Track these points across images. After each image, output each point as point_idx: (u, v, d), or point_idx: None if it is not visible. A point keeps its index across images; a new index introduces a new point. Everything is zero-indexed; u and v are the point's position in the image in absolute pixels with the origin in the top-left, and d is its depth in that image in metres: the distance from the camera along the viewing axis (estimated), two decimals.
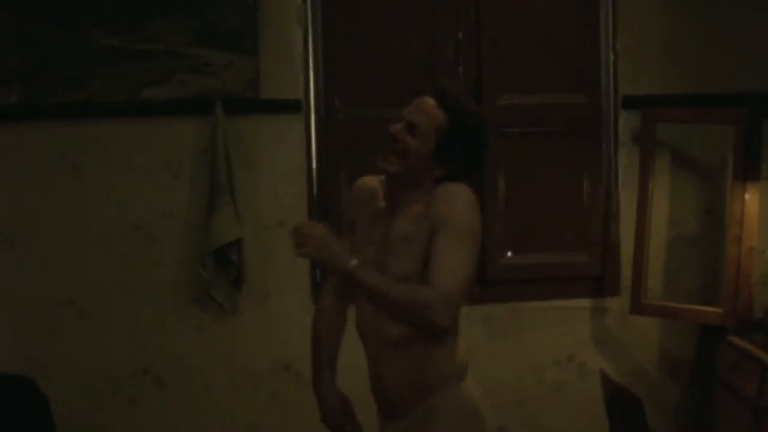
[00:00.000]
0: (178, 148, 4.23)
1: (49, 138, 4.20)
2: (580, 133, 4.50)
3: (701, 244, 4.57)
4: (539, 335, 4.48)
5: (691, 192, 4.54)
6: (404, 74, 4.40)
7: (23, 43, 4.16)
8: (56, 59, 4.17)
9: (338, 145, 4.35)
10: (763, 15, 4.49)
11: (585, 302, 4.52)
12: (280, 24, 4.28)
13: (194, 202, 4.23)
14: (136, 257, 4.24)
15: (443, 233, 2.59)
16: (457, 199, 2.64)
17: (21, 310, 4.23)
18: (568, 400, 4.51)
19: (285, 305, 4.31)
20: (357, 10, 4.40)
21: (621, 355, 4.54)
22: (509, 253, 4.47)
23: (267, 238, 4.27)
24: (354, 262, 2.57)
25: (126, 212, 4.23)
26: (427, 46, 4.42)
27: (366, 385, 2.89)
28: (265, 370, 4.32)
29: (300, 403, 4.25)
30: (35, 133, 4.19)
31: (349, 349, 3.01)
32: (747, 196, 4.27)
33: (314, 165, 4.33)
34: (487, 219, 4.42)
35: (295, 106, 4.27)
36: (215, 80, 4.21)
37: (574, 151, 4.50)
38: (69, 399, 4.20)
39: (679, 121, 4.42)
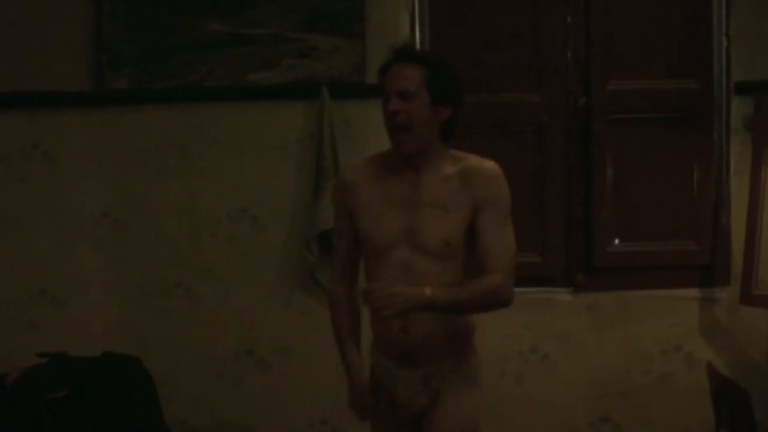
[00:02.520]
0: (285, 133, 4.36)
1: (158, 122, 4.36)
2: (691, 119, 4.50)
3: None
4: (646, 325, 4.50)
5: None
6: (511, 59, 4.47)
7: (134, 30, 4.33)
8: (166, 45, 4.33)
9: None
10: None
11: (693, 292, 4.52)
12: (387, 8, 4.37)
13: (300, 186, 4.35)
14: (242, 240, 4.38)
15: (493, 213, 2.84)
16: (499, 179, 2.89)
17: (130, 292, 4.41)
18: (674, 391, 4.53)
19: None
20: None
21: (729, 346, 4.53)
22: (617, 241, 4.50)
23: None
24: (428, 291, 2.71)
25: (233, 196, 4.37)
26: (535, 31, 4.46)
27: None
28: (368, 353, 4.43)
29: None
30: (145, 117, 4.36)
31: None
32: None
33: None
34: (595, 205, 4.49)
35: None
36: (322, 65, 4.33)
37: (685, 137, 4.50)
38: (175, 379, 4.35)
39: None
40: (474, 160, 2.94)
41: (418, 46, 4.40)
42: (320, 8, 4.33)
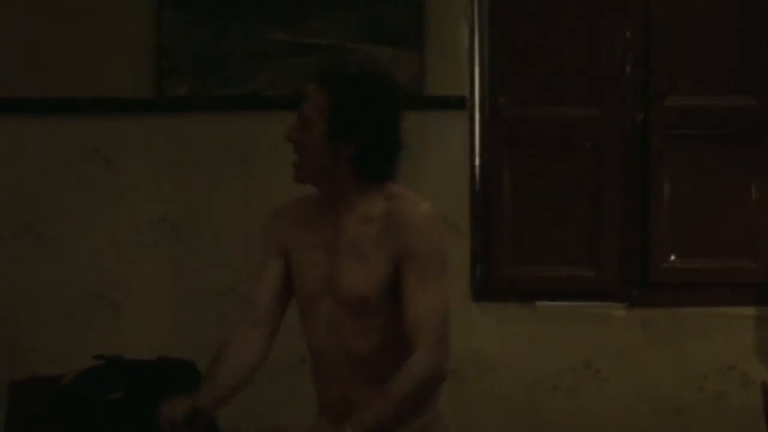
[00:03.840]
0: None
1: (216, 129, 4.46)
2: (750, 135, 4.53)
3: None
4: (700, 342, 4.52)
5: None
6: (569, 73, 4.53)
7: (193, 37, 4.43)
8: (225, 53, 4.43)
9: (502, 142, 4.50)
10: None
11: (749, 310, 4.54)
12: (447, 20, 4.43)
13: None
14: None
15: (416, 268, 2.42)
16: (427, 226, 2.48)
17: (185, 297, 4.50)
18: (727, 410, 4.53)
19: None
20: (523, 8, 4.52)
21: None
22: (672, 257, 4.53)
23: None
24: (348, 429, 2.32)
25: None
26: (594, 45, 4.51)
27: None
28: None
29: (456, 400, 4.46)
30: (203, 124, 4.46)
31: None
32: None
33: (477, 162, 4.49)
34: (651, 220, 4.53)
35: (460, 103, 4.42)
36: None
37: (743, 154, 4.52)
38: None
39: None
40: (404, 201, 2.54)
41: (476, 58, 4.49)
42: (380, 19, 4.42)
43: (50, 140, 4.47)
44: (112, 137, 4.48)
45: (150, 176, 4.49)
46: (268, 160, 4.46)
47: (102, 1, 4.46)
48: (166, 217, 4.49)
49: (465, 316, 4.48)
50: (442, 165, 4.45)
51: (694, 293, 4.56)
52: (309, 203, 2.66)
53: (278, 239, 2.68)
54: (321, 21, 4.43)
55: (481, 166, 4.51)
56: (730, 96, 4.55)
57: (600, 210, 4.53)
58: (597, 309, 4.52)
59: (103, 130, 4.48)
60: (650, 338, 4.54)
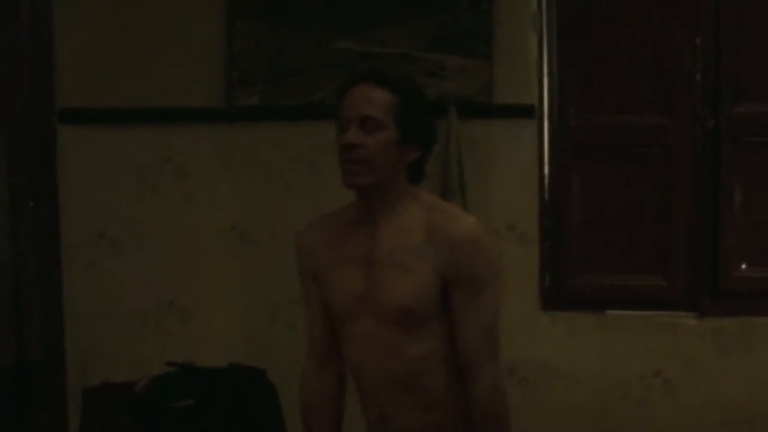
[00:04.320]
0: None
1: (286, 138, 4.52)
2: None
3: None
4: None
5: None
6: (639, 80, 4.53)
7: (264, 48, 4.49)
8: (295, 63, 4.49)
9: (571, 151, 4.52)
10: None
11: None
12: (515, 29, 4.46)
13: None
14: None
15: (465, 287, 2.39)
16: (472, 242, 2.41)
17: (256, 304, 4.57)
18: None
19: (512, 309, 4.46)
20: (592, 16, 4.52)
21: None
22: (744, 265, 4.51)
23: (497, 241, 4.48)
24: None
25: None
26: (664, 52, 4.50)
27: None
28: None
29: (525, 408, 4.47)
30: (273, 133, 4.52)
31: None
32: None
33: (546, 170, 4.51)
34: (722, 229, 4.52)
35: (529, 112, 4.44)
36: (449, 84, 4.45)
37: None
38: (297, 392, 4.50)
39: None
40: (446, 216, 2.46)
41: (545, 67, 4.52)
42: (448, 28, 4.45)
43: (123, 149, 4.56)
44: (183, 146, 4.56)
45: (221, 185, 4.56)
46: (336, 168, 4.48)
47: (174, 13, 4.54)
48: (237, 225, 4.55)
49: (534, 326, 4.51)
50: (511, 173, 4.48)
51: (765, 302, 4.53)
52: (338, 218, 2.65)
53: (307, 264, 2.70)
54: (389, 30, 4.47)
55: (550, 174, 4.53)
56: None
57: (670, 218, 4.52)
58: (667, 318, 4.51)
59: (175, 139, 4.56)
60: (721, 347, 4.52)
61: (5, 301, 4.39)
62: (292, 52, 4.50)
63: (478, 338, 2.41)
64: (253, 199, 4.55)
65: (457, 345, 2.42)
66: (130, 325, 4.59)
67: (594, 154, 4.53)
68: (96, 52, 4.54)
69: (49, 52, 4.49)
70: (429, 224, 2.43)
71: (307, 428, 2.75)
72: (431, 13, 4.45)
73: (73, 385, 4.52)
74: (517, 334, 4.46)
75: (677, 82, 4.50)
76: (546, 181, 4.53)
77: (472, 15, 4.44)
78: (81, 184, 4.56)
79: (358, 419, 2.85)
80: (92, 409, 4.28)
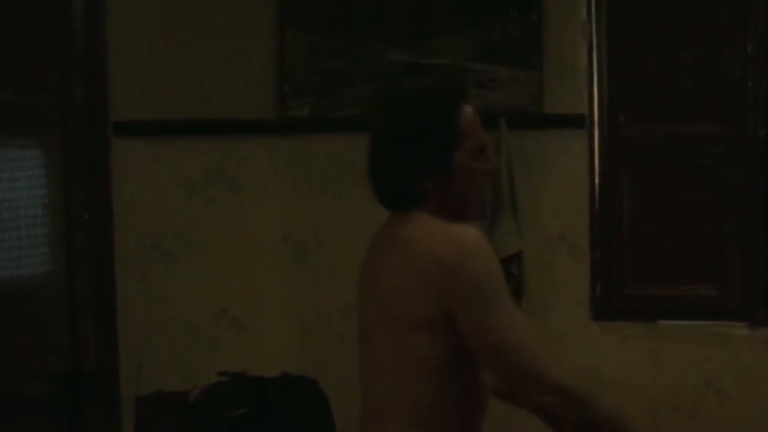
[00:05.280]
0: None
1: (338, 150, 4.59)
2: None
3: None
4: None
5: None
6: (690, 89, 4.56)
7: (315, 59, 4.57)
8: (346, 74, 4.56)
9: (621, 161, 4.55)
10: None
11: None
12: (565, 39, 4.51)
13: None
14: None
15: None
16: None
17: (308, 315, 4.65)
18: None
19: (563, 319, 4.53)
20: (642, 25, 4.57)
21: None
22: None
23: (547, 252, 4.51)
24: None
25: None
26: (714, 61, 4.52)
27: None
28: None
29: None
30: (325, 144, 4.60)
31: None
32: None
33: (597, 181, 4.54)
34: None
35: (579, 121, 4.49)
36: (500, 95, 4.50)
37: None
38: (350, 402, 4.53)
39: None
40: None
41: (595, 76, 4.55)
42: (498, 39, 4.50)
43: (177, 161, 4.63)
44: (236, 158, 4.63)
45: (273, 196, 4.64)
46: None
47: (226, 25, 4.61)
48: (290, 236, 4.63)
49: (586, 335, 4.54)
50: (562, 183, 4.52)
51: None
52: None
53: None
54: (439, 41, 4.53)
55: (601, 184, 4.56)
56: None
57: (722, 228, 4.54)
58: (720, 328, 4.52)
59: (228, 151, 4.64)
60: None
61: (61, 311, 4.47)
62: (342, 64, 4.58)
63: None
64: (304, 210, 4.63)
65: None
66: (183, 335, 4.66)
67: (645, 164, 4.56)
68: (149, 64, 4.61)
69: (103, 65, 4.56)
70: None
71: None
72: (481, 24, 4.51)
73: (127, 394, 4.58)
74: (569, 344, 4.51)
75: (728, 90, 4.52)
76: (596, 190, 4.56)
77: (522, 25, 4.50)
78: (135, 196, 4.63)
79: None
80: (146, 418, 4.36)
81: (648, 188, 4.55)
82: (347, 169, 4.58)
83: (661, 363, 4.51)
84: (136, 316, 4.65)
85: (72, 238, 4.52)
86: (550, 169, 4.52)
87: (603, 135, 4.56)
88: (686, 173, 4.56)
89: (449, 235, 2.19)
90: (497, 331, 2.12)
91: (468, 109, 2.35)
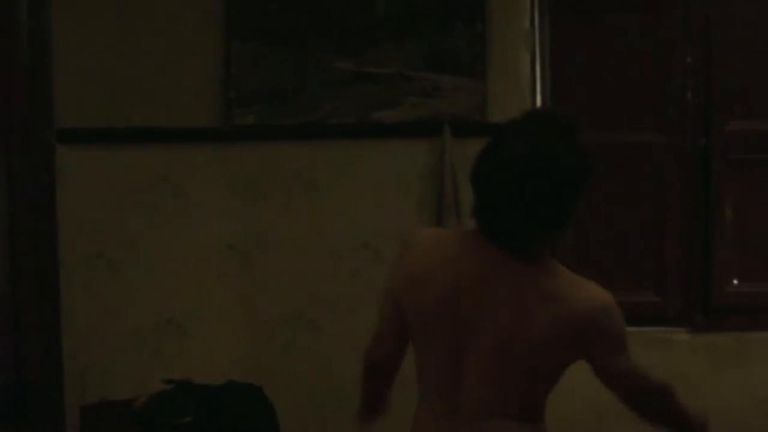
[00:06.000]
0: (407, 170, 4.58)
1: (283, 158, 4.62)
2: None
3: None
4: (764, 366, 4.60)
5: None
6: (631, 99, 4.66)
7: (261, 68, 4.59)
8: (292, 82, 4.60)
9: None
10: None
11: None
12: (509, 49, 4.58)
13: (421, 222, 4.55)
14: (363, 274, 4.59)
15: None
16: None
17: (253, 322, 4.65)
18: None
19: None
20: (585, 35, 4.66)
21: None
22: (736, 281, 4.62)
23: None
24: None
25: (355, 230, 4.60)
26: (655, 71, 4.63)
27: None
28: None
29: None
30: (271, 152, 4.62)
31: None
32: None
33: None
34: (714, 245, 4.63)
35: None
36: (444, 103, 4.56)
37: None
38: (295, 409, 4.56)
39: None
40: None
41: (538, 85, 4.64)
42: (443, 48, 4.56)
43: (122, 169, 4.64)
44: (181, 166, 4.65)
45: (219, 204, 4.65)
46: (333, 188, 4.62)
47: (171, 33, 4.63)
48: (235, 244, 4.64)
49: None
50: None
51: (758, 317, 4.65)
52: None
53: None
54: (385, 50, 4.58)
55: None
56: None
57: (662, 235, 4.63)
58: (660, 334, 4.61)
59: (172, 158, 4.65)
60: (714, 363, 4.62)
61: (5, 320, 4.45)
62: (288, 72, 4.61)
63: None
64: (250, 218, 4.64)
65: None
66: (128, 344, 4.66)
67: None
68: (94, 72, 4.62)
69: (48, 73, 4.57)
70: None
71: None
72: (426, 34, 4.57)
73: (71, 404, 4.58)
74: None
75: (669, 100, 4.63)
76: None
77: (466, 35, 4.56)
78: (79, 204, 4.64)
79: None
80: (90, 427, 4.37)
81: (589, 196, 4.60)
82: (293, 177, 4.62)
83: None
84: (81, 325, 4.65)
85: (16, 246, 4.51)
86: None
87: None
88: (627, 182, 4.64)
89: (598, 293, 2.43)
90: (631, 373, 2.52)
91: None
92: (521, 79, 4.59)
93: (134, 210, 4.66)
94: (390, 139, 4.59)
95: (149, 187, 4.66)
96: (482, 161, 2.47)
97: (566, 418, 4.58)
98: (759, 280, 4.65)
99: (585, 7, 4.69)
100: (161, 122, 4.63)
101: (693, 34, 4.62)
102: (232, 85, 4.60)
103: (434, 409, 2.54)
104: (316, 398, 4.66)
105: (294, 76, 4.61)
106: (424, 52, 4.57)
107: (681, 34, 4.63)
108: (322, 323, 4.64)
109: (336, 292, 4.63)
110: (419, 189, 4.59)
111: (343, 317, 4.63)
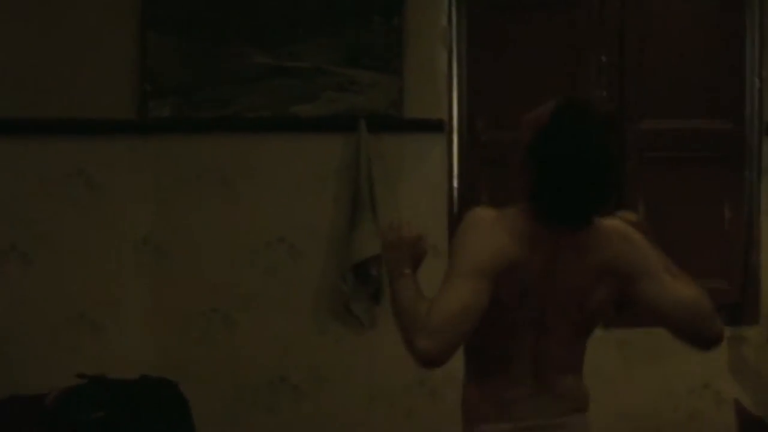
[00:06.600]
0: (323, 164, 4.61)
1: (199, 151, 4.61)
2: (723, 159, 4.74)
3: None
4: (675, 362, 4.67)
5: None
6: (546, 96, 4.70)
7: (178, 60, 4.58)
8: (209, 75, 4.59)
9: (479, 165, 4.69)
10: None
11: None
12: (425, 45, 4.62)
13: (337, 216, 4.59)
14: (279, 269, 4.61)
15: None
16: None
17: (168, 317, 4.63)
18: (702, 428, 4.70)
19: None
20: (501, 33, 4.72)
21: (757, 385, 4.72)
22: None
23: None
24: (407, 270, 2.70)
25: (271, 225, 4.61)
26: (570, 69, 4.71)
27: None
28: (401, 386, 4.63)
29: (435, 419, 4.62)
30: (187, 146, 4.61)
31: None
32: None
33: (455, 184, 4.68)
34: None
35: (438, 126, 4.61)
36: (360, 98, 4.59)
37: (716, 177, 4.73)
38: (210, 404, 4.55)
39: None
40: None
41: (455, 82, 4.69)
42: (360, 43, 4.59)
43: (35, 160, 4.59)
44: (96, 159, 4.61)
45: (133, 197, 4.62)
46: (249, 182, 4.63)
47: (87, 23, 4.59)
48: (150, 238, 4.63)
49: None
50: (421, 187, 4.63)
51: None
52: None
53: None
54: (303, 44, 4.60)
55: (459, 187, 4.70)
56: (703, 119, 4.77)
57: None
58: None
59: (87, 151, 4.61)
60: (626, 358, 4.71)
61: None
62: (205, 65, 4.61)
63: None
64: (165, 211, 4.63)
65: None
66: (40, 338, 4.61)
67: (502, 168, 4.68)
68: (5, 61, 4.57)
69: None
70: None
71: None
72: (344, 29, 4.60)
73: None
74: None
75: (583, 98, 4.68)
76: (455, 194, 4.69)
77: (384, 30, 4.60)
78: None
79: None
80: (1, 423, 4.31)
81: (504, 192, 4.65)
82: (209, 171, 4.62)
83: None
84: None
85: None
86: (410, 172, 4.62)
87: (461, 139, 4.70)
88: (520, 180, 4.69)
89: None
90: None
91: None
92: (437, 75, 4.64)
93: (48, 203, 4.61)
94: (306, 133, 4.61)
95: (63, 179, 4.61)
96: (556, 143, 2.60)
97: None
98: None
99: (502, 5, 4.75)
100: (76, 114, 4.59)
101: (607, 34, 4.70)
102: (147, 78, 4.58)
103: (510, 377, 2.69)
104: (230, 392, 4.66)
105: (211, 69, 4.60)
106: (342, 47, 4.60)
107: (596, 33, 4.70)
108: (237, 317, 4.64)
109: (251, 286, 4.63)
110: (335, 183, 4.62)
111: (258, 311, 4.64)
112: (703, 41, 4.78)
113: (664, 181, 4.73)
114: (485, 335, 2.62)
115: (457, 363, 4.55)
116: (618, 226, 2.73)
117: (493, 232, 2.65)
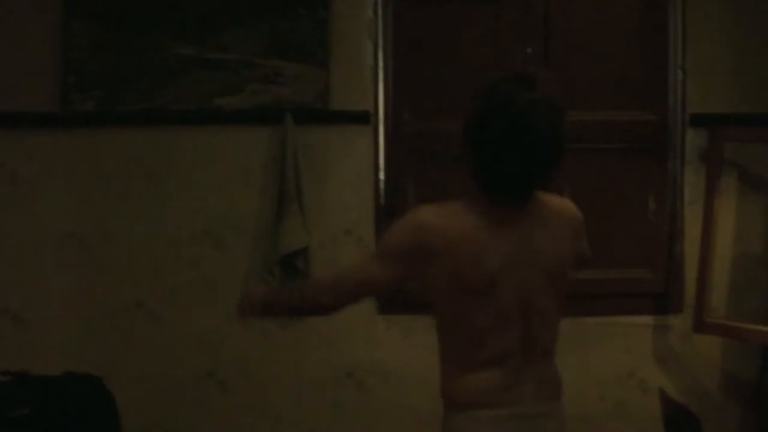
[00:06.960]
0: (249, 157, 4.60)
1: (124, 144, 4.58)
2: (647, 150, 4.78)
3: (767, 263, 4.80)
4: (601, 351, 4.75)
5: (757, 211, 4.78)
6: (471, 88, 4.73)
7: (102, 52, 4.56)
8: (133, 68, 4.57)
9: (406, 156, 4.70)
10: None
11: (648, 319, 4.77)
12: (351, 37, 4.63)
13: (263, 209, 4.58)
14: (205, 263, 4.61)
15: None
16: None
17: (92, 312, 4.60)
18: (628, 417, 4.75)
19: (349, 314, 4.59)
20: (426, 24, 4.72)
21: (682, 373, 4.78)
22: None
23: (333, 247, 4.60)
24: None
25: (196, 218, 4.60)
26: (495, 61, 4.70)
27: None
28: (328, 378, 4.65)
29: (362, 411, 4.64)
30: (111, 139, 4.58)
31: None
32: None
33: (381, 176, 4.68)
34: None
35: (364, 118, 4.62)
36: (286, 90, 4.59)
37: (640, 168, 4.77)
38: (136, 399, 4.54)
39: (746, 140, 4.69)
40: None
41: (381, 74, 4.69)
42: (285, 35, 4.59)
43: None
44: (18, 151, 4.58)
45: (57, 191, 4.60)
46: (174, 175, 4.61)
47: (7, 14, 4.56)
48: (73, 233, 4.60)
49: (371, 329, 4.66)
50: (347, 179, 4.64)
51: (594, 303, 4.78)
52: None
53: None
54: (227, 36, 4.59)
55: (386, 179, 4.71)
56: (627, 111, 4.80)
57: None
58: None
59: (9, 143, 4.58)
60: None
61: None
62: (129, 57, 4.58)
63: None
64: (89, 205, 4.60)
65: None
66: None
67: (428, 159, 4.72)
68: None
69: None
70: None
71: None
72: (269, 20, 4.59)
73: None
74: (353, 339, 4.63)
75: None
76: (381, 185, 4.70)
77: (309, 22, 4.60)
78: None
79: None
80: None
81: (431, 183, 4.70)
82: (133, 164, 4.60)
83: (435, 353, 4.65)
84: None
85: None
86: (336, 164, 4.63)
87: (387, 131, 4.71)
88: (467, 169, 4.70)
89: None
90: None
91: None
92: (363, 68, 4.65)
93: None
94: (231, 126, 4.60)
95: None
96: (501, 119, 2.73)
97: (406, 407, 4.67)
98: (593, 267, 4.75)
99: None
100: None
101: (532, 25, 4.72)
102: (70, 70, 4.55)
103: (493, 363, 2.75)
104: (155, 387, 4.64)
105: (135, 61, 4.58)
106: (267, 39, 4.59)
107: (520, 24, 4.73)
108: (162, 311, 4.63)
109: (176, 280, 4.62)
110: (261, 176, 4.61)
111: (182, 305, 4.62)
112: (628, 33, 4.81)
113: (589, 172, 4.76)
114: (463, 323, 2.72)
115: (382, 355, 4.64)
116: (553, 195, 2.91)
117: (421, 227, 2.79)
